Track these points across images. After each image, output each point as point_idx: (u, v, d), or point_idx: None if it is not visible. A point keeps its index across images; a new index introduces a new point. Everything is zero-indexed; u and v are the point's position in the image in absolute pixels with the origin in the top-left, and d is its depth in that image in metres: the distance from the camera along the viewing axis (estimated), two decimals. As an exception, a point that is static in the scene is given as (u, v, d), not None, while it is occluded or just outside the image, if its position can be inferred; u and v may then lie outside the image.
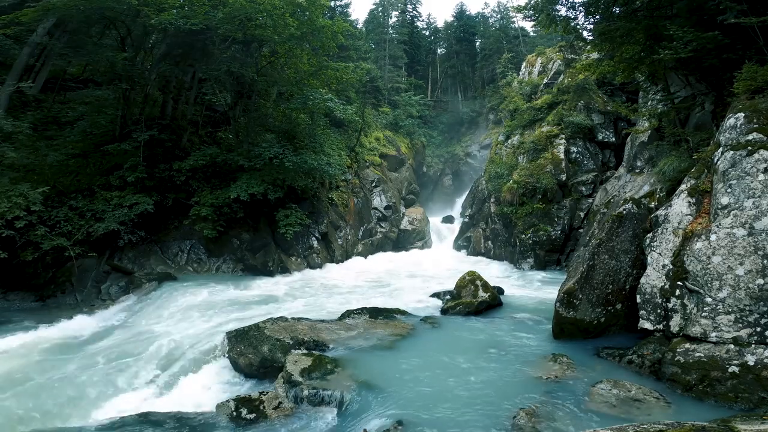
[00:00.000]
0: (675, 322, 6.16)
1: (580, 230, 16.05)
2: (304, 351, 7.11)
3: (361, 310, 9.44)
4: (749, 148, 6.02)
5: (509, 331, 8.24)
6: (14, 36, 12.44)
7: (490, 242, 20.09)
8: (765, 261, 5.53)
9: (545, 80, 21.98)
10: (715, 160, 6.60)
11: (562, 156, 17.18)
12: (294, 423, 5.47)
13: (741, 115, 6.49)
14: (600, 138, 17.77)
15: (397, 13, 45.53)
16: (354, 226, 20.43)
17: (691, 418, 4.01)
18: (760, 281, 5.51)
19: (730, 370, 5.34)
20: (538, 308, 9.77)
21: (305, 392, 5.84)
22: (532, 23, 13.69)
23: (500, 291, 11.27)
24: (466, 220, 23.31)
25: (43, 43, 13.14)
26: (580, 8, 11.10)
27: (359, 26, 40.77)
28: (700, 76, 9.72)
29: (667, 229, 6.79)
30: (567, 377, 6.03)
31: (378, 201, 23.45)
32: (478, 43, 48.70)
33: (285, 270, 15.08)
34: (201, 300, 10.94)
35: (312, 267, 16.36)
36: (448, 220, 27.96)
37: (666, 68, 10.01)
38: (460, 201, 29.19)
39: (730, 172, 6.12)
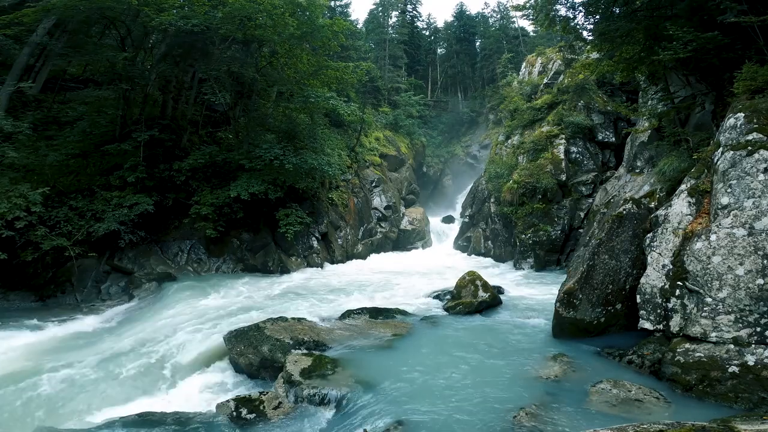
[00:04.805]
0: (675, 322, 6.16)
1: (580, 230, 16.04)
2: (304, 351, 7.12)
3: (361, 310, 9.44)
4: (749, 148, 6.02)
5: (509, 331, 8.24)
6: (14, 36, 12.41)
7: (490, 242, 20.09)
8: (765, 261, 5.53)
9: (545, 80, 21.98)
10: (715, 160, 6.59)
11: (562, 156, 17.18)
12: (294, 423, 5.47)
13: (741, 115, 6.49)
14: (600, 138, 17.76)
15: (397, 13, 45.54)
16: (354, 226, 20.43)
17: (691, 418, 4.01)
18: (760, 281, 5.51)
19: (730, 370, 5.34)
20: (538, 308, 9.77)
21: (305, 392, 5.84)
22: (532, 23, 13.69)
23: (500, 291, 11.27)
24: (466, 220, 23.30)
25: (43, 43, 13.12)
26: (580, 8, 11.11)
27: (359, 26, 40.77)
28: (700, 76, 9.72)
29: (667, 229, 6.79)
30: (567, 377, 6.03)
31: (378, 201, 23.46)
32: (478, 43, 48.77)
33: (285, 270, 15.08)
34: (201, 300, 10.94)
35: (312, 267, 16.36)
36: (448, 220, 27.94)
37: (666, 68, 10.01)
38: (460, 201, 29.19)
39: (730, 172, 6.12)
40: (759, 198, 5.76)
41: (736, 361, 5.37)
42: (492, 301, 10.05)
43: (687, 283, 6.12)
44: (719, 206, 6.12)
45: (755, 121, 6.28)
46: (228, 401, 5.82)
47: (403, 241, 23.62)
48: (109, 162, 13.49)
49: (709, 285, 5.89)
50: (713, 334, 5.72)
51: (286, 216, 15.12)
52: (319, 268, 16.48)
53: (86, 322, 10.16)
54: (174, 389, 6.91)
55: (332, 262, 17.68)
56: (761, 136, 6.04)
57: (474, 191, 23.68)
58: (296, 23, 14.81)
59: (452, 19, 50.47)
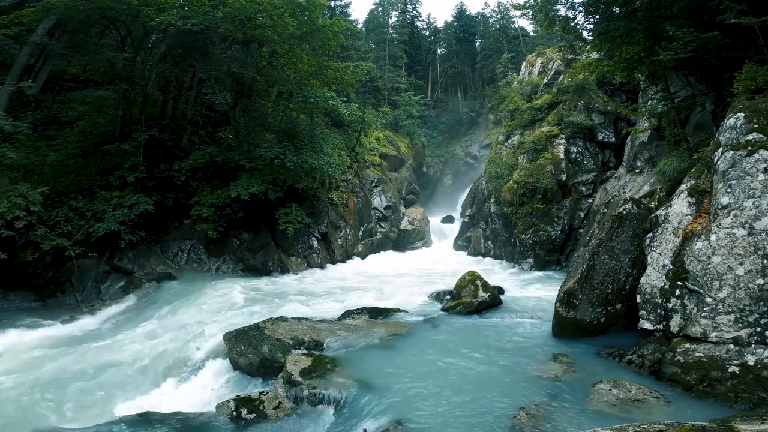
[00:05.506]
0: (675, 322, 6.16)
1: (580, 230, 16.04)
2: (304, 351, 7.12)
3: (361, 310, 9.44)
4: (749, 148, 6.01)
5: (509, 331, 8.24)
6: (14, 36, 12.41)
7: (490, 242, 20.08)
8: (765, 261, 5.53)
9: (545, 80, 21.96)
10: (715, 160, 6.59)
11: (562, 156, 17.17)
12: (294, 423, 5.47)
13: (741, 115, 6.49)
14: (600, 138, 17.76)
15: (397, 13, 45.57)
16: (354, 226, 20.43)
17: (691, 418, 4.01)
18: (760, 281, 5.51)
19: (730, 370, 5.34)
20: (538, 308, 9.76)
21: (305, 392, 5.84)
22: (532, 22, 13.71)
23: (500, 291, 11.26)
24: (466, 220, 23.30)
25: (43, 43, 13.12)
26: (580, 8, 11.08)
27: (359, 26, 40.79)
28: (700, 76, 9.72)
29: (667, 229, 6.79)
30: (567, 377, 6.02)
31: (378, 201, 23.46)
32: (478, 43, 48.80)
33: (285, 270, 15.08)
34: (201, 300, 10.93)
35: (312, 267, 16.36)
36: (448, 220, 27.95)
37: (666, 68, 10.01)
38: (460, 201, 29.20)
39: (730, 172, 6.12)
40: (759, 198, 5.76)
41: (736, 361, 5.37)
42: (492, 301, 10.04)
43: (687, 283, 6.12)
44: (719, 206, 6.12)
45: (755, 121, 6.28)
46: (228, 401, 5.82)
47: (403, 241, 23.61)
48: (109, 162, 13.49)
49: (709, 285, 5.89)
50: (713, 334, 5.72)
51: (286, 215, 15.13)
52: (319, 268, 16.48)
53: (86, 322, 10.17)
54: (174, 389, 6.90)
55: (332, 262, 17.67)
56: (761, 136, 6.04)
57: (474, 191, 23.68)
58: (296, 23, 14.80)
59: (452, 19, 50.54)
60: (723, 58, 8.22)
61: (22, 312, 10.75)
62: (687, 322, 6.02)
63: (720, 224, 6.01)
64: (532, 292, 12.04)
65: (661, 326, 6.38)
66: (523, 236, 16.41)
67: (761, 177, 5.81)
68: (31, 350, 8.26)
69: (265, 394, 5.91)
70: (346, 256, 18.92)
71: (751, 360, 5.30)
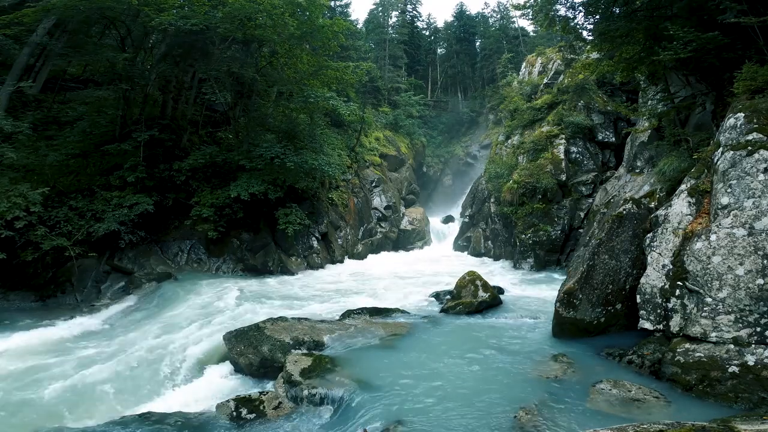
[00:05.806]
0: (675, 322, 6.16)
1: (580, 230, 16.04)
2: (304, 351, 7.12)
3: (361, 310, 9.44)
4: (749, 148, 6.01)
5: (509, 331, 8.24)
6: (14, 36, 12.42)
7: (490, 242, 20.09)
8: (765, 261, 5.52)
9: (545, 80, 21.97)
10: (715, 160, 6.59)
11: (562, 156, 17.17)
12: (294, 423, 5.47)
13: (741, 115, 6.49)
14: (600, 138, 17.76)
15: (397, 13, 45.56)
16: (354, 226, 20.43)
17: (691, 418, 4.00)
18: (760, 281, 5.51)
19: (730, 370, 5.34)
20: (538, 308, 9.76)
21: (305, 392, 5.84)
22: (532, 22, 13.71)
23: (500, 291, 11.26)
24: (466, 220, 23.31)
25: (43, 43, 13.13)
26: (580, 8, 11.09)
27: (359, 26, 40.78)
28: (700, 76, 9.72)
29: (667, 229, 6.79)
30: (567, 377, 6.02)
31: (378, 201, 23.46)
32: (478, 43, 48.78)
33: (285, 270, 15.08)
34: (201, 300, 10.94)
35: (312, 267, 16.36)
36: (448, 220, 27.95)
37: (666, 68, 10.01)
38: (460, 201, 29.18)
39: (730, 172, 6.11)
40: (759, 198, 5.76)
41: (736, 361, 5.37)
42: (492, 301, 10.04)
43: (687, 283, 6.12)
44: (719, 206, 6.12)
45: (755, 121, 6.28)
46: (228, 401, 5.82)
47: (403, 241, 23.62)
48: (109, 162, 13.49)
49: (709, 285, 5.89)
50: (713, 334, 5.72)
51: (285, 215, 15.15)
52: (320, 268, 16.49)
53: (86, 322, 10.15)
54: (174, 389, 6.90)
55: (332, 262, 17.68)
56: (761, 136, 6.04)
57: (474, 191, 23.68)
58: (296, 23, 14.81)
59: (452, 19, 50.52)
60: (723, 58, 8.22)
61: (22, 312, 10.75)
62: (687, 322, 6.02)
63: (720, 224, 6.01)
64: (532, 292, 12.04)
65: (661, 326, 6.38)
66: (523, 236, 16.41)
67: (761, 177, 5.81)
68: (30, 350, 8.25)
69: (265, 394, 5.91)
70: (346, 256, 18.93)
71: (751, 360, 5.30)
